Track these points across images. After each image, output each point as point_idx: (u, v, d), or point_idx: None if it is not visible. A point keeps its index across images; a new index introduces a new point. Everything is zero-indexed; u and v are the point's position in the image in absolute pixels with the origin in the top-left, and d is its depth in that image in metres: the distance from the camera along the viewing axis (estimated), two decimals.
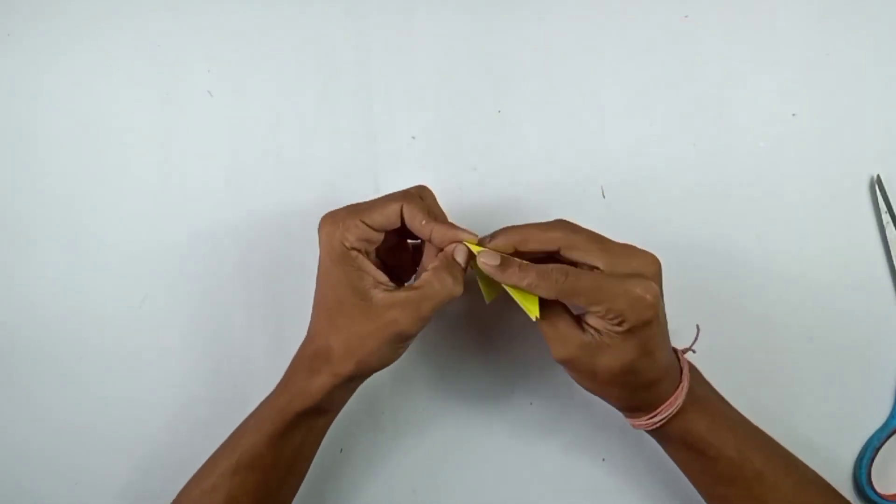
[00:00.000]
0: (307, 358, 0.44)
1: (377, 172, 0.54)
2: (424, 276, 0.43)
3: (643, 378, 0.43)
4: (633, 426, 0.46)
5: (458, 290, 0.43)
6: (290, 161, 0.54)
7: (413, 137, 0.55)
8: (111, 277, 0.53)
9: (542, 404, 0.53)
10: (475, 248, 0.43)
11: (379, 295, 0.42)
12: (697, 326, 0.46)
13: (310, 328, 0.45)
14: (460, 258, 0.43)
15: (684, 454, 0.46)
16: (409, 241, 0.48)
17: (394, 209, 0.43)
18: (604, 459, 0.53)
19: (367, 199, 0.45)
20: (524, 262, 0.42)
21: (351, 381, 0.44)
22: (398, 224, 0.44)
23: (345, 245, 0.42)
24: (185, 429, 0.52)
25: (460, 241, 0.43)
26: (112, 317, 0.53)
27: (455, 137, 0.55)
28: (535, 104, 0.55)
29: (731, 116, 0.55)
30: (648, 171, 0.54)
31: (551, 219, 0.45)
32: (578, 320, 0.43)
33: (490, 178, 0.54)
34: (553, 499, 0.53)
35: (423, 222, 0.43)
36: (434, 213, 0.45)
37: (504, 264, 0.42)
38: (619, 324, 0.41)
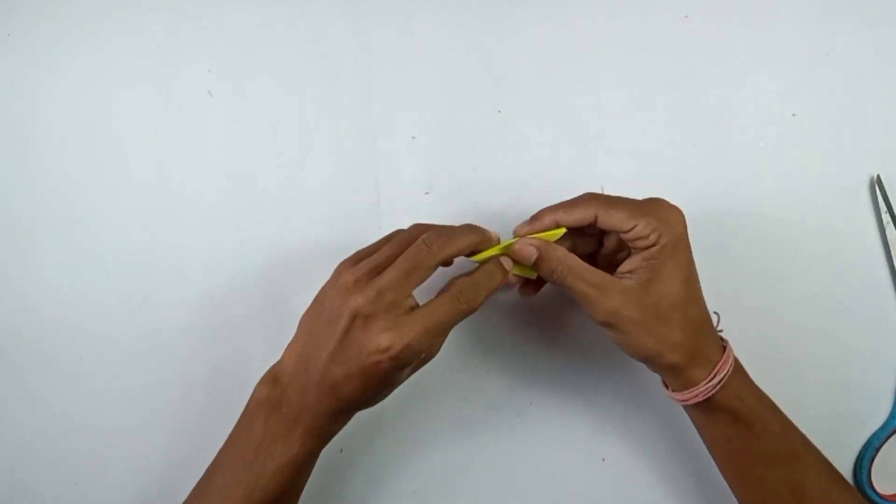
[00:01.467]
0: (326, 411, 0.43)
1: (377, 172, 0.54)
2: (441, 298, 0.43)
3: (695, 310, 0.44)
4: (686, 400, 0.44)
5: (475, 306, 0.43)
6: (290, 161, 0.54)
7: (413, 137, 0.55)
8: (111, 277, 0.53)
9: (542, 404, 0.53)
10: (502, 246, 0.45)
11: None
12: (716, 313, 0.47)
13: (328, 379, 0.42)
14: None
15: (730, 430, 0.45)
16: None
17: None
18: (603, 459, 0.53)
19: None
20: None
21: (358, 408, 0.45)
22: None
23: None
24: (185, 429, 0.52)
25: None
26: (112, 317, 0.53)
27: (455, 137, 0.55)
28: (535, 104, 0.55)
29: (731, 116, 0.55)
30: (648, 171, 0.54)
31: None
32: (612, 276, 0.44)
33: (490, 178, 0.54)
34: (553, 499, 0.53)
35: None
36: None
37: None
38: (655, 242, 0.42)
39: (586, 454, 0.53)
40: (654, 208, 0.44)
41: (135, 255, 0.53)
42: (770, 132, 0.54)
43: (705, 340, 0.44)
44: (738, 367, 0.45)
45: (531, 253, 0.44)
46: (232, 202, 0.54)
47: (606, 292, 0.43)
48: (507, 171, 0.54)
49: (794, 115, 0.54)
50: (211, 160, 0.54)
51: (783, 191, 0.54)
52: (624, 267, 0.44)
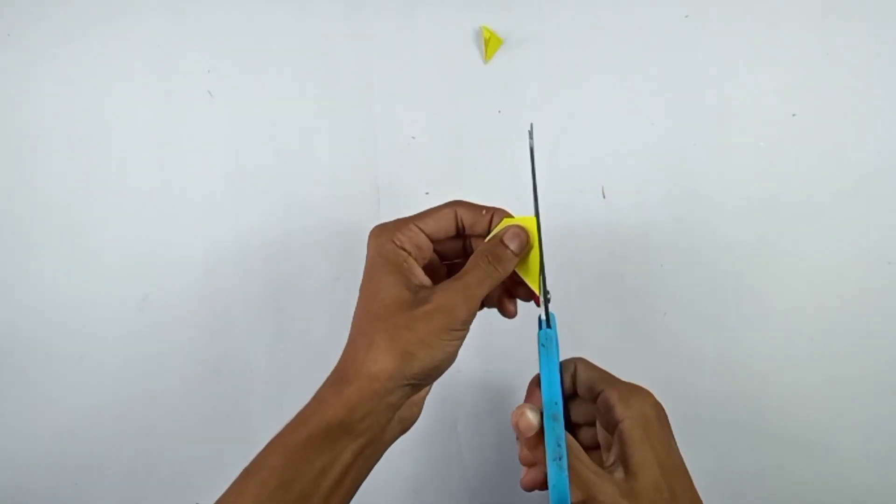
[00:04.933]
0: (338, 371, 0.39)
1: (377, 172, 0.54)
2: (470, 260, 0.40)
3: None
4: None
5: (505, 271, 0.40)
6: (290, 161, 0.54)
7: (413, 137, 0.55)
8: (111, 278, 0.53)
9: None
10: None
11: (424, 291, 0.39)
12: None
13: (346, 345, 0.40)
14: (511, 242, 0.40)
15: None
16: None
17: (447, 213, 0.41)
18: None
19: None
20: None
21: (392, 385, 0.38)
22: (452, 231, 0.41)
23: (395, 243, 0.40)
24: (185, 429, 0.52)
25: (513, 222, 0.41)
26: (112, 317, 0.53)
27: (455, 137, 0.55)
28: (535, 104, 0.55)
29: (731, 116, 0.55)
30: (648, 171, 0.54)
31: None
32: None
33: (490, 178, 0.54)
34: None
35: (483, 211, 0.41)
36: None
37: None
38: (621, 417, 0.38)
39: None
40: (626, 386, 0.40)
41: (135, 255, 0.53)
42: (770, 132, 0.54)
43: None
44: None
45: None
46: (232, 202, 0.54)
47: (600, 486, 0.37)
48: (507, 171, 0.54)
49: (794, 115, 0.54)
50: (211, 160, 0.54)
51: (783, 190, 0.54)
52: (608, 459, 0.39)
